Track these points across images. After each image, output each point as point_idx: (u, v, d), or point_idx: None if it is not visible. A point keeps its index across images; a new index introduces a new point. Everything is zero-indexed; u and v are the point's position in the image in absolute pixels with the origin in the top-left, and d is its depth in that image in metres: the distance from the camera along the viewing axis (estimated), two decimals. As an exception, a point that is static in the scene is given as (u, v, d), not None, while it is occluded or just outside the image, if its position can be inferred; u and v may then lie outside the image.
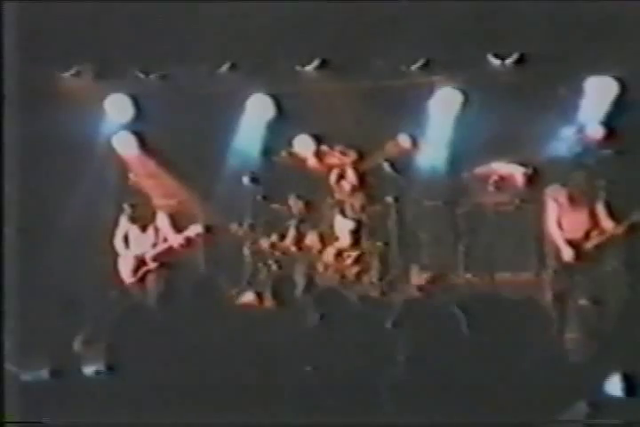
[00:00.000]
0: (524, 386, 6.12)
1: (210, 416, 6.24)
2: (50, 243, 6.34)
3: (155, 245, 6.42)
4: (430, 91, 6.19)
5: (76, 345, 6.37)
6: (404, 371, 6.26)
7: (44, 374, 6.38)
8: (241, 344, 6.35)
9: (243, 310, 6.37)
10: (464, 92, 6.16)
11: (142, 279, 6.46)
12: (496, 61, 6.09)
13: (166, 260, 6.44)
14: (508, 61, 6.09)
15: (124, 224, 6.39)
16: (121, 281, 6.42)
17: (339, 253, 6.33)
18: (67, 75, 6.31)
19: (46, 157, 6.33)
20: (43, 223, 6.35)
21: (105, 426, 6.35)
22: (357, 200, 6.34)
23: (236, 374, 6.34)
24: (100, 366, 6.34)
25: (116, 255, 6.41)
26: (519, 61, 6.11)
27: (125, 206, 6.40)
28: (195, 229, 6.36)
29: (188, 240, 6.39)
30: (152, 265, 6.44)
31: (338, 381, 6.26)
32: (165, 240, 6.42)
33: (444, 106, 6.20)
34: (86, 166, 6.33)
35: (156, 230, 6.41)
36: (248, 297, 6.36)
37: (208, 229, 6.36)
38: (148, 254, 6.41)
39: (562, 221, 6.19)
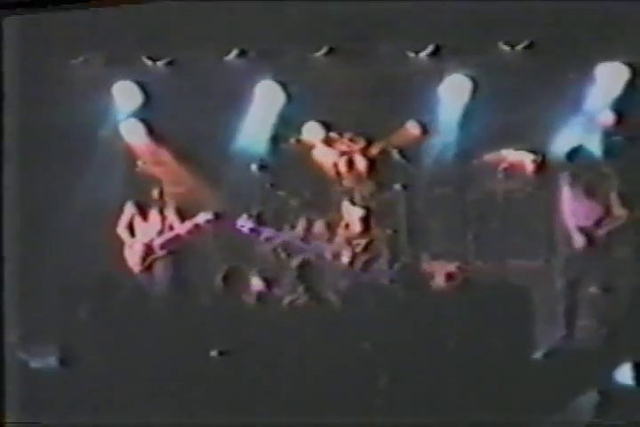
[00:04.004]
0: (534, 374, 6.20)
1: (219, 409, 6.34)
2: (57, 230, 6.38)
3: (161, 232, 6.43)
4: (439, 77, 6.22)
5: (83, 333, 6.43)
6: (413, 359, 6.33)
7: (53, 361, 6.45)
8: (251, 333, 6.39)
9: (253, 299, 6.43)
10: (474, 79, 6.18)
11: (150, 267, 6.47)
12: (506, 48, 6.15)
13: (174, 248, 6.47)
14: (518, 48, 6.15)
15: (130, 211, 6.40)
16: (128, 269, 6.46)
17: (348, 241, 6.37)
18: (76, 62, 6.35)
19: (53, 144, 6.37)
20: (49, 211, 6.39)
21: (107, 426, 6.42)
22: (366, 188, 6.36)
23: (247, 363, 6.38)
24: (108, 354, 6.42)
25: (122, 243, 6.45)
26: (529, 47, 6.15)
27: (132, 193, 6.43)
28: (204, 217, 6.36)
29: (197, 228, 6.40)
30: (160, 253, 6.46)
31: (344, 370, 6.34)
32: (172, 228, 6.43)
33: (453, 93, 6.22)
34: (94, 154, 6.36)
35: (163, 218, 6.42)
36: (255, 285, 6.39)
37: (217, 216, 6.37)
38: (156, 242, 6.43)
39: (574, 209, 6.23)
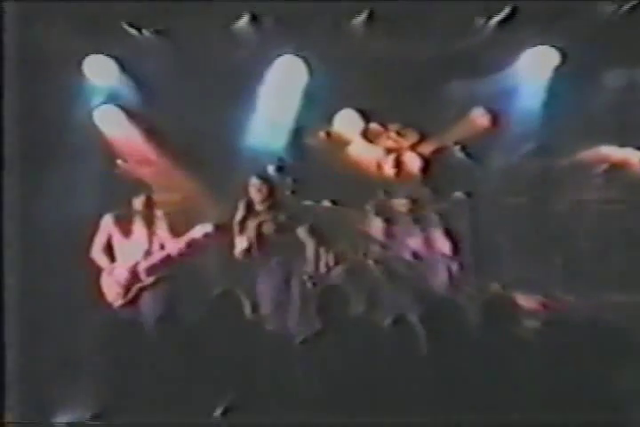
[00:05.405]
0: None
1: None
2: (13, 255, 5.60)
3: (148, 253, 5.75)
4: (516, 51, 5.56)
5: (53, 387, 5.62)
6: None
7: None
8: (262, 379, 5.43)
9: (266, 334, 5.59)
10: (561, 51, 5.51)
11: (135, 300, 5.73)
12: (604, 10, 5.41)
13: (166, 272, 5.75)
14: (621, 10, 5.42)
15: (108, 227, 5.72)
16: (108, 304, 5.70)
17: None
18: (37, 31, 5.56)
19: (11, 135, 5.62)
20: (6, 228, 5.61)
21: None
22: (419, 196, 5.76)
23: (254, 415, 5.45)
24: (85, 414, 5.52)
25: (99, 270, 5.72)
26: (635, 9, 5.46)
27: (111, 203, 5.72)
28: (201, 230, 5.69)
29: (192, 245, 5.73)
30: (147, 280, 5.73)
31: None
32: (163, 247, 5.78)
33: (533, 70, 5.65)
34: (61, 150, 5.62)
35: (151, 234, 5.76)
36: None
37: (218, 228, 5.75)
38: (141, 266, 5.73)
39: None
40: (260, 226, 5.69)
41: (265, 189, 5.70)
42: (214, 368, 5.56)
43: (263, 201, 5.67)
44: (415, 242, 5.76)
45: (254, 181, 5.68)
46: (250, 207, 5.72)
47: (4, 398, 5.65)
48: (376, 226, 5.75)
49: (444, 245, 5.66)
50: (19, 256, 5.67)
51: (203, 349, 5.55)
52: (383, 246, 5.76)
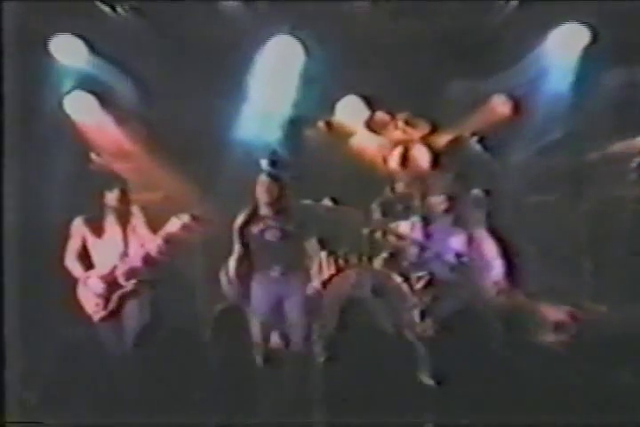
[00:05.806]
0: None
1: None
2: None
3: (125, 254, 5.35)
4: (540, 31, 5.19)
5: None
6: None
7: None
8: (262, 403, 5.25)
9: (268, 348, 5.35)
10: (592, 30, 5.26)
11: (117, 310, 5.30)
12: None
13: (147, 276, 5.35)
14: None
15: (80, 231, 5.31)
16: (87, 316, 5.33)
17: (402, 274, 5.30)
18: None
19: None
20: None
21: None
22: (431, 193, 5.55)
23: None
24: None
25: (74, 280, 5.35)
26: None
27: (83, 202, 5.32)
28: (177, 223, 5.30)
29: (171, 241, 5.31)
30: (127, 285, 5.29)
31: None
32: (144, 246, 5.40)
33: (560, 52, 5.25)
34: (28, 143, 5.34)
35: (126, 233, 5.35)
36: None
37: (197, 219, 5.39)
38: (119, 270, 5.31)
39: None
40: (262, 233, 5.29)
41: (276, 190, 5.28)
42: (207, 382, 5.23)
43: (271, 204, 5.25)
44: (458, 242, 5.38)
45: (263, 179, 5.27)
46: (255, 210, 5.33)
47: (4, 399, 5.43)
48: (414, 226, 5.39)
49: (490, 247, 5.30)
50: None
51: (193, 360, 5.26)
52: (422, 248, 5.36)
